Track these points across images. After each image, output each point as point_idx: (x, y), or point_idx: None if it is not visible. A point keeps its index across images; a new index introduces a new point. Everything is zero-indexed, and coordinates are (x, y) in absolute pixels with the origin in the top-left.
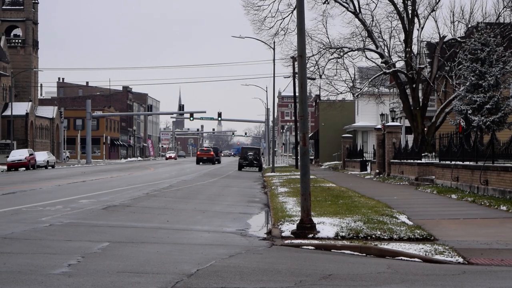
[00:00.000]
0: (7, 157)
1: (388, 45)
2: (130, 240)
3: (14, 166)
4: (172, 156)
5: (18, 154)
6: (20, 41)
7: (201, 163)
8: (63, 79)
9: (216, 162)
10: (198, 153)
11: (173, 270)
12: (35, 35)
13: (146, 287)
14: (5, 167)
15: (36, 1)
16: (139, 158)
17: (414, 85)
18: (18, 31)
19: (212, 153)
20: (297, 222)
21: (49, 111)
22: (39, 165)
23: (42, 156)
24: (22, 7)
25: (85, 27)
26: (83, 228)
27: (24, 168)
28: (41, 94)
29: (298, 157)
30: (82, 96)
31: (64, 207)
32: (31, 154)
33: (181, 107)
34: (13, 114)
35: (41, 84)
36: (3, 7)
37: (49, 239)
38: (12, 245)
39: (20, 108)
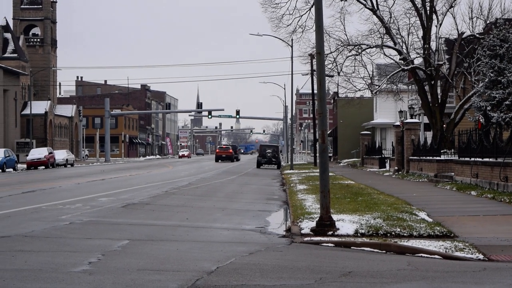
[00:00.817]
0: (27, 155)
1: (406, 42)
2: (150, 238)
3: (33, 165)
4: (185, 154)
5: (38, 153)
6: (38, 40)
7: (220, 160)
8: (81, 77)
9: (235, 160)
10: (217, 151)
11: (193, 267)
12: (54, 34)
13: (166, 285)
14: (25, 166)
15: (55, 0)
16: (158, 156)
17: (432, 82)
18: (36, 30)
19: (231, 150)
20: (317, 220)
21: (68, 110)
22: (58, 163)
23: (61, 155)
24: (40, 6)
25: (103, 26)
26: (103, 226)
27: (44, 167)
28: (59, 93)
29: (317, 155)
30: (101, 95)
31: (84, 205)
32: (50, 153)
33: (199, 105)
34: (32, 113)
35: (59, 83)
36: (22, 6)
37: (69, 237)
38: (33, 243)
39: (39, 107)
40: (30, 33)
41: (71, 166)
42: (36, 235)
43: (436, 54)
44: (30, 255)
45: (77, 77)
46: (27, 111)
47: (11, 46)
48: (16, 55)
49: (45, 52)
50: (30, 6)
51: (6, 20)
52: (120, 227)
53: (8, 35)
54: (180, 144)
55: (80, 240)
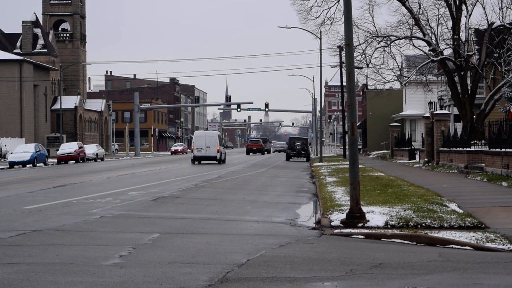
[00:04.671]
0: (57, 150)
1: (436, 33)
2: (180, 231)
3: (64, 159)
4: (179, 150)
5: (68, 147)
6: (68, 35)
7: (251, 153)
8: (110, 72)
9: (266, 152)
10: (248, 144)
11: (223, 260)
12: (83, 29)
13: (197, 277)
14: (55, 160)
15: None
16: (188, 150)
17: (462, 73)
18: (66, 25)
19: (261, 144)
20: (346, 212)
21: (97, 104)
22: (89, 158)
23: (91, 149)
24: (69, 1)
25: (131, 20)
26: (134, 219)
27: (74, 161)
28: (89, 88)
29: (346, 147)
30: (130, 89)
31: (114, 199)
32: (80, 147)
33: (228, 99)
34: (62, 108)
35: (89, 78)
36: (51, 1)
37: (100, 231)
38: (64, 237)
39: (69, 102)
40: (60, 28)
41: (101, 160)
42: (67, 229)
43: (466, 45)
44: (62, 249)
45: (107, 71)
46: (57, 106)
47: (40, 42)
48: (45, 50)
49: (75, 47)
50: (60, 1)
51: (36, 15)
52: (151, 220)
53: (37, 31)
54: None
55: (111, 233)
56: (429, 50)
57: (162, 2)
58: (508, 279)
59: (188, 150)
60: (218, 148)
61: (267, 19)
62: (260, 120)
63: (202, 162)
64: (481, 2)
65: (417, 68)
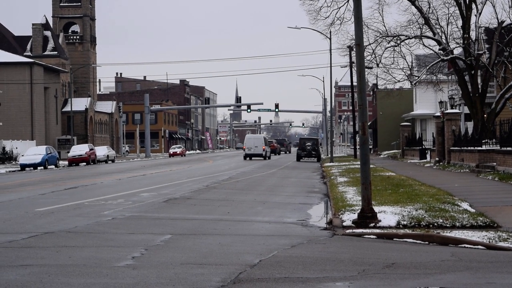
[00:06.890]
0: (68, 152)
1: (446, 32)
2: (192, 232)
3: (75, 161)
4: (178, 152)
5: (79, 149)
6: (78, 37)
7: None
8: (121, 74)
9: (283, 153)
10: None
11: (235, 261)
12: (93, 31)
13: (209, 278)
14: (66, 163)
15: None
16: (198, 151)
17: (472, 72)
18: (76, 28)
19: (274, 144)
20: (358, 212)
21: (108, 106)
22: (99, 159)
23: (102, 151)
24: (79, 3)
25: (141, 22)
26: (145, 221)
27: (85, 163)
28: (99, 89)
29: (357, 147)
30: (140, 91)
31: (126, 200)
32: (91, 149)
33: (238, 99)
34: (73, 110)
35: (99, 80)
36: (61, 4)
37: (112, 232)
38: (76, 239)
39: (79, 104)
40: (70, 31)
41: (112, 162)
42: (80, 230)
43: (476, 44)
44: (74, 251)
45: (117, 73)
46: (67, 108)
47: (51, 44)
48: (56, 52)
49: (85, 49)
50: (69, 4)
51: (46, 18)
52: (162, 221)
53: (48, 33)
54: (220, 139)
55: (122, 235)
56: (439, 49)
57: (171, 3)
58: None
59: (187, 152)
60: (264, 147)
61: (277, 19)
62: (270, 121)
63: (253, 158)
64: (491, 0)
65: (427, 67)
